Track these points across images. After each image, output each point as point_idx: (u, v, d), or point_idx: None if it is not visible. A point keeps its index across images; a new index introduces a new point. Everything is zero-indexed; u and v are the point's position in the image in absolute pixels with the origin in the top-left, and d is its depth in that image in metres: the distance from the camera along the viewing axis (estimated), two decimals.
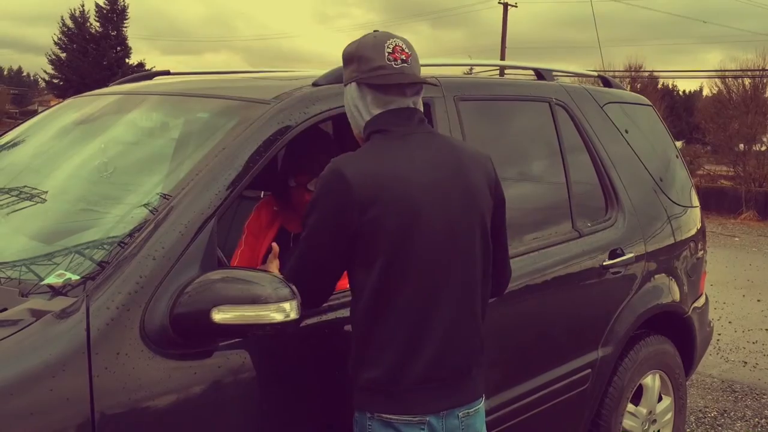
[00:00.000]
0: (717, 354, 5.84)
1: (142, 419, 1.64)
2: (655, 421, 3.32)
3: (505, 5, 27.93)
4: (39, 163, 2.54)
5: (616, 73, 27.05)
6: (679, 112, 40.28)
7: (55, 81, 38.98)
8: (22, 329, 1.58)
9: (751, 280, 9.27)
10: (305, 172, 2.42)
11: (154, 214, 1.83)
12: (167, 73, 3.06)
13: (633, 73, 30.14)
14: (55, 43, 38.34)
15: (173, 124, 2.48)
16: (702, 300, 3.69)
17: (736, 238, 13.88)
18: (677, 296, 3.35)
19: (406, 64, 1.85)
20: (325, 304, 1.96)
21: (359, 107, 1.89)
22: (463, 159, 1.90)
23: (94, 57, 37.07)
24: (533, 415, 2.66)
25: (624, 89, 3.81)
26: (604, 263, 2.93)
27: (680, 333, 3.46)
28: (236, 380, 1.81)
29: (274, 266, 1.97)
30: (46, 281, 1.76)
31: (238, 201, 2.45)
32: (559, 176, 2.95)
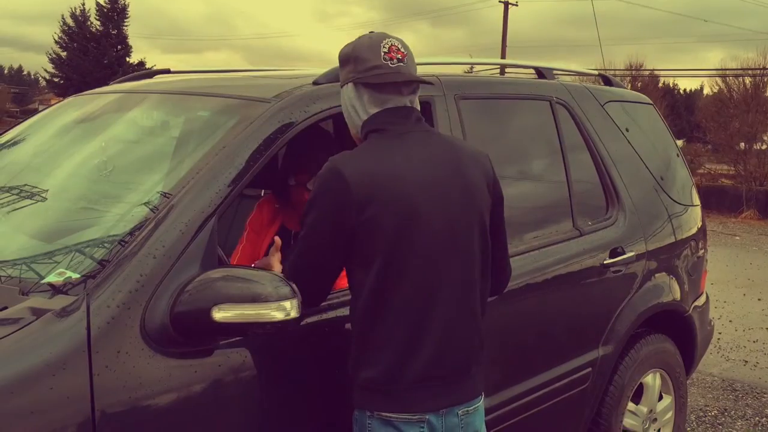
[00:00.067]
0: (717, 353, 5.84)
1: (142, 418, 1.64)
2: (655, 419, 3.32)
3: (506, 4, 27.90)
4: (39, 161, 2.54)
5: (617, 72, 27.05)
6: (680, 110, 40.27)
7: (56, 80, 38.99)
8: (22, 328, 1.58)
9: (752, 278, 9.26)
10: (305, 170, 2.43)
11: (154, 213, 1.83)
12: (168, 71, 3.06)
13: (634, 72, 30.13)
14: (56, 42, 38.36)
15: (174, 122, 2.48)
16: (703, 299, 3.69)
17: (737, 237, 13.88)
18: (678, 295, 3.35)
19: (402, 64, 1.86)
20: (325, 303, 1.96)
21: (356, 107, 1.89)
22: (460, 157, 1.90)
23: (94, 56, 37.08)
24: (534, 413, 2.66)
25: (625, 88, 3.81)
26: (605, 262, 2.93)
27: (681, 332, 3.46)
28: (237, 379, 1.81)
29: (276, 259, 1.97)
30: (47, 280, 1.76)
31: (238, 199, 2.46)
32: (559, 175, 2.95)
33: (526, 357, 2.67)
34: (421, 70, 2.48)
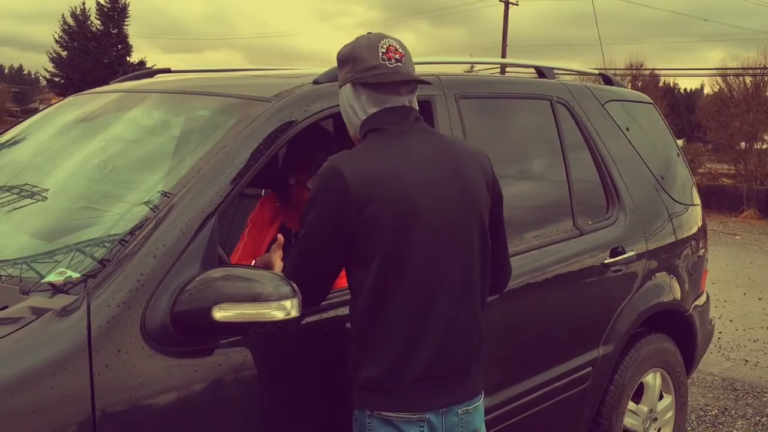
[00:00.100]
0: (718, 352, 5.84)
1: (143, 417, 1.64)
2: (656, 419, 3.32)
3: (507, 3, 27.87)
4: (40, 161, 2.54)
5: (618, 71, 27.04)
6: (681, 110, 40.29)
7: (56, 79, 39.01)
8: (22, 327, 1.58)
9: (752, 278, 9.26)
10: (305, 170, 2.43)
11: (155, 212, 1.83)
12: (168, 70, 3.06)
13: (634, 71, 30.13)
14: (56, 41, 38.39)
15: (174, 121, 2.48)
16: (703, 298, 3.69)
17: (737, 237, 13.87)
18: (678, 294, 3.35)
19: (400, 64, 1.86)
20: (325, 302, 1.96)
21: (355, 107, 1.90)
22: (459, 156, 1.90)
23: (95, 55, 37.11)
24: (534, 413, 2.66)
25: (625, 87, 3.81)
26: (605, 261, 2.93)
27: (681, 331, 3.46)
28: (237, 378, 1.81)
29: (277, 256, 1.98)
30: (47, 279, 1.76)
31: (239, 199, 2.45)
32: (560, 174, 2.95)
33: (526, 356, 2.67)
34: (421, 70, 2.49)
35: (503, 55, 26.77)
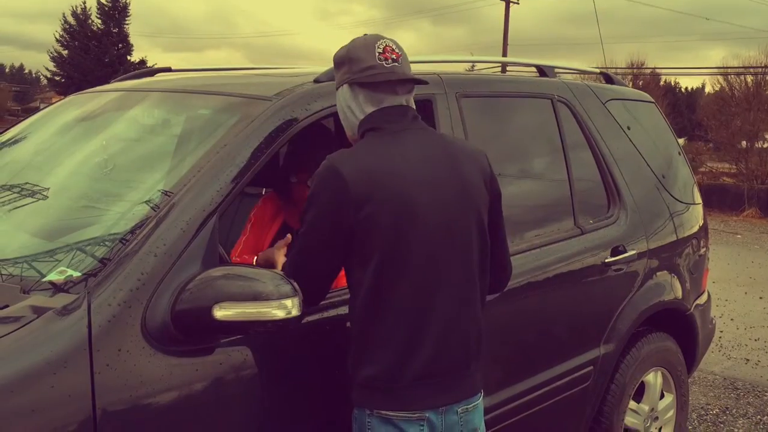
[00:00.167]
0: (719, 351, 5.84)
1: (143, 416, 1.64)
2: (657, 418, 3.32)
3: (507, 2, 27.86)
4: (41, 160, 2.54)
5: (619, 70, 27.03)
6: (682, 109, 40.25)
7: (57, 78, 39.02)
8: (23, 326, 1.58)
9: (754, 277, 9.25)
10: (306, 168, 2.42)
11: (155, 211, 1.82)
12: (169, 69, 3.06)
13: (635, 70, 30.11)
14: (57, 41, 38.39)
15: (175, 120, 2.48)
16: (704, 297, 3.69)
17: (739, 236, 13.86)
18: (679, 293, 3.35)
19: (396, 64, 1.87)
20: (325, 301, 1.96)
21: (352, 107, 1.90)
22: (457, 154, 1.90)
23: (95, 54, 37.12)
24: (535, 412, 2.65)
25: (626, 86, 3.81)
26: (606, 260, 2.93)
27: (682, 330, 3.46)
28: (237, 377, 1.81)
29: (281, 253, 1.98)
30: (48, 278, 1.76)
31: (239, 198, 2.45)
32: (561, 173, 2.95)
33: (527, 355, 2.67)
34: (422, 69, 2.49)
35: (504, 54, 26.76)
